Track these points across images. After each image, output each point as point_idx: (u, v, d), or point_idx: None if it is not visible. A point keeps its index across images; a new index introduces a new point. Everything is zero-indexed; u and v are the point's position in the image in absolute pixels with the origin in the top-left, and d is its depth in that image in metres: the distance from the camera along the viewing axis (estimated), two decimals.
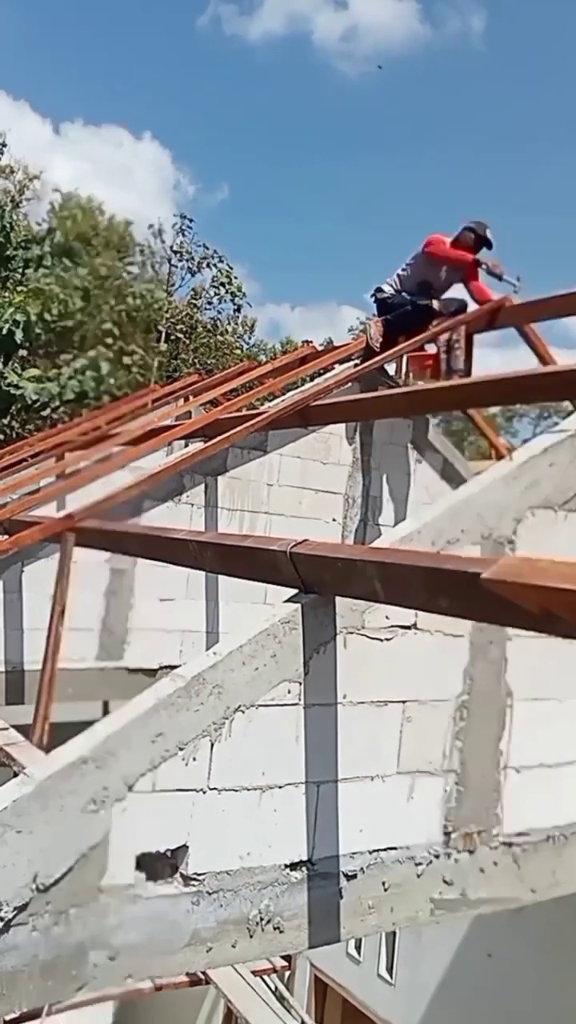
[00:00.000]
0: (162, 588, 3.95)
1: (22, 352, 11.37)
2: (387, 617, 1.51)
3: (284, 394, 4.23)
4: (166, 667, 3.88)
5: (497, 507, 1.59)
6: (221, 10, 37.26)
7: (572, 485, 1.70)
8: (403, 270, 4.28)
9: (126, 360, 16.24)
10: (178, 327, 19.18)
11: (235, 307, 20.75)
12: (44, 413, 11.47)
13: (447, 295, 4.23)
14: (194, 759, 1.34)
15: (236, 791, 1.38)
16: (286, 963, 4.36)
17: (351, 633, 1.48)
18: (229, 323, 21.26)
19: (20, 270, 11.28)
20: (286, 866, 1.43)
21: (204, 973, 3.63)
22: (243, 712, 1.37)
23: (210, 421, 3.96)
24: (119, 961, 1.29)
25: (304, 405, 3.56)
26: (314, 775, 1.45)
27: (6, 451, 6.62)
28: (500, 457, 4.28)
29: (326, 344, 7.67)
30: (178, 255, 20.46)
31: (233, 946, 1.38)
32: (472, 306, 4.15)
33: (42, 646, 2.95)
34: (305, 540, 1.46)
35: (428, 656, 1.58)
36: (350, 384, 3.93)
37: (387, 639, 1.52)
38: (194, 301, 20.35)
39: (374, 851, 1.52)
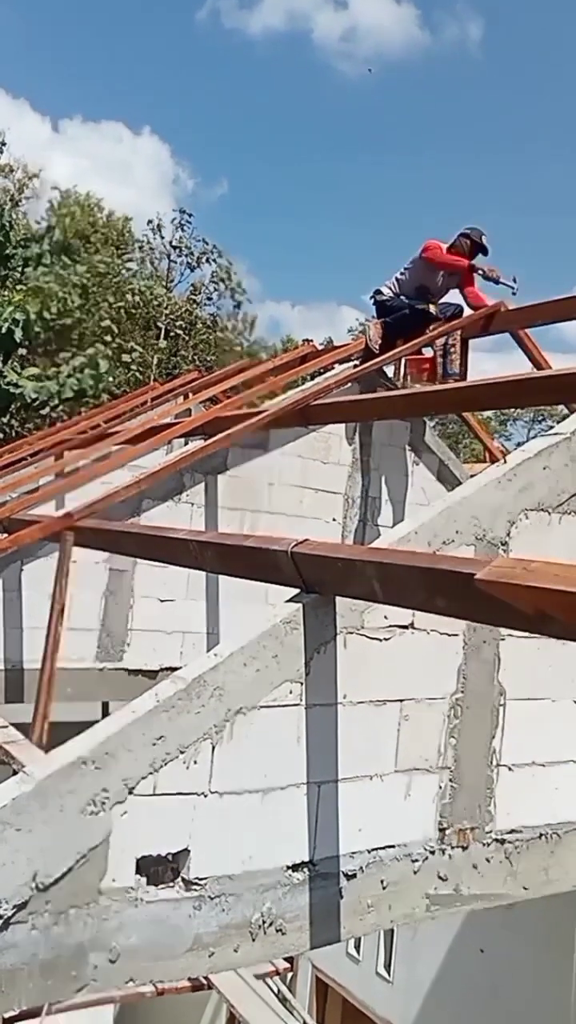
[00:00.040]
0: (162, 588, 3.96)
1: (21, 351, 11.35)
2: (385, 617, 1.53)
3: (284, 392, 4.24)
4: (167, 668, 3.90)
5: (491, 509, 1.61)
6: (220, 3, 37.12)
7: (565, 488, 1.72)
8: (401, 273, 4.32)
9: (125, 358, 16.19)
10: (177, 323, 19.11)
11: (235, 304, 20.74)
12: (43, 412, 11.45)
13: (444, 300, 4.27)
14: (195, 762, 1.34)
15: (238, 794, 1.39)
16: (288, 965, 4.37)
17: (351, 633, 1.49)
18: (229, 320, 21.24)
19: (19, 269, 11.25)
20: (288, 867, 1.44)
21: (206, 977, 3.64)
22: (244, 714, 1.38)
23: (210, 419, 3.97)
24: (120, 964, 1.29)
25: (304, 404, 3.58)
26: (315, 775, 1.46)
27: (5, 450, 6.62)
28: (494, 460, 4.32)
29: (326, 344, 7.68)
30: (177, 250, 20.40)
31: (235, 950, 1.39)
32: (468, 311, 4.19)
33: (42, 645, 2.96)
34: (306, 540, 1.47)
35: (424, 655, 1.59)
36: (350, 384, 3.95)
37: (385, 639, 1.54)
38: (193, 297, 20.29)
39: (373, 850, 1.54)
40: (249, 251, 39.72)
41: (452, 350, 4.11)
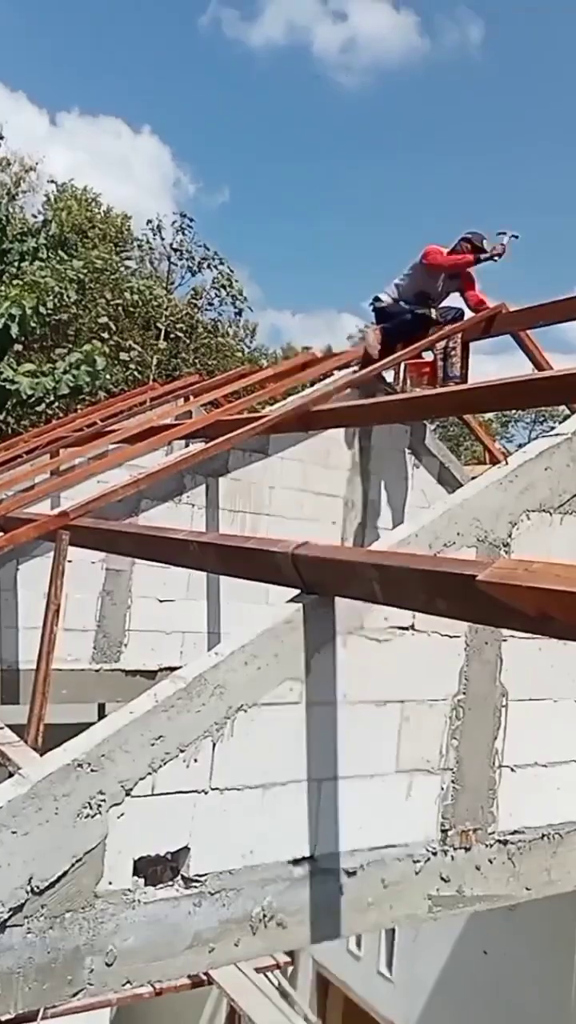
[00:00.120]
0: (162, 588, 3.95)
1: (17, 346, 11.28)
2: (386, 618, 1.52)
3: (285, 398, 4.24)
4: (166, 668, 3.89)
5: (493, 511, 1.60)
6: (222, 13, 37.16)
7: (567, 488, 1.71)
8: (401, 279, 4.33)
9: (123, 356, 16.13)
10: (178, 326, 19.06)
11: (236, 311, 20.70)
12: (39, 408, 11.39)
13: (444, 303, 4.27)
14: (195, 760, 1.34)
15: (239, 790, 1.38)
16: (289, 959, 4.37)
17: (351, 634, 1.49)
18: (230, 326, 21.21)
19: (16, 263, 11.18)
20: (288, 862, 1.43)
21: (206, 973, 3.63)
22: (245, 711, 1.38)
23: (211, 422, 3.96)
24: (117, 966, 1.29)
25: (305, 410, 3.58)
26: (315, 773, 1.45)
27: (1, 447, 6.59)
28: (495, 461, 4.33)
29: (326, 351, 7.70)
30: (178, 253, 20.35)
31: (236, 944, 1.39)
32: (469, 314, 4.19)
33: (37, 646, 2.95)
34: (306, 542, 1.47)
35: (425, 657, 1.59)
36: (349, 390, 3.95)
37: (386, 640, 1.53)
38: (194, 301, 20.26)
39: (374, 848, 1.53)
40: (250, 256, 39.85)
41: (453, 353, 4.12)
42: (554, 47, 38.86)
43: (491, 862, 1.69)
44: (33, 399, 10.79)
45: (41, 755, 1.61)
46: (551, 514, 1.69)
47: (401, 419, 4.13)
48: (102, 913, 1.28)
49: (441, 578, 1.19)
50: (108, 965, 1.28)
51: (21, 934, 1.22)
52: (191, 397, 5.43)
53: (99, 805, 1.26)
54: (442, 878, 1.62)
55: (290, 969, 4.60)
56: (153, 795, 1.31)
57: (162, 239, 20.30)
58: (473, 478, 1.87)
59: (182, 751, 1.33)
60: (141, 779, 1.30)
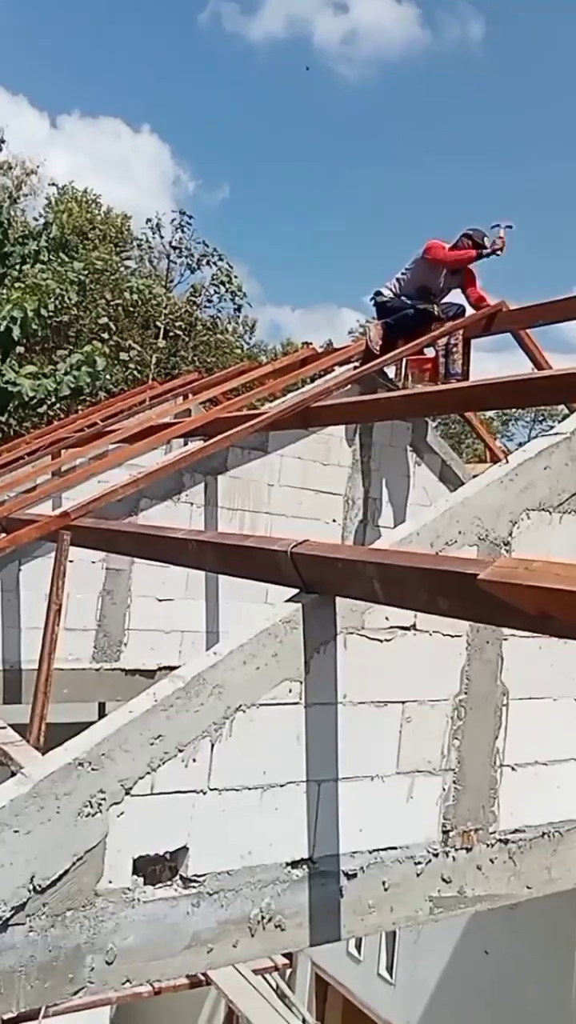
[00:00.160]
0: (161, 588, 3.95)
1: (19, 348, 11.32)
2: (387, 618, 1.52)
3: (284, 395, 4.23)
4: (165, 668, 3.89)
5: (493, 509, 1.60)
6: (222, 8, 37.17)
7: (567, 487, 1.71)
8: (402, 274, 4.30)
9: (123, 356, 16.15)
10: (177, 324, 19.08)
11: (235, 307, 20.70)
12: (41, 410, 11.43)
13: (445, 300, 4.26)
14: (194, 760, 1.34)
15: (237, 790, 1.38)
16: (287, 961, 4.37)
17: (351, 634, 1.49)
18: (229, 322, 21.20)
19: (17, 266, 11.22)
20: (287, 864, 1.43)
21: (204, 974, 3.63)
22: (244, 711, 1.37)
23: (210, 420, 3.96)
24: (117, 965, 1.29)
25: (305, 406, 3.57)
26: (315, 774, 1.45)
27: (3, 449, 6.61)
28: (496, 460, 4.32)
29: (326, 346, 7.67)
30: (177, 251, 20.36)
31: (234, 945, 1.39)
32: (470, 311, 4.18)
33: (39, 646, 2.95)
34: (306, 540, 1.46)
35: (427, 657, 1.59)
36: (350, 386, 3.94)
37: (387, 640, 1.53)
38: (193, 298, 20.27)
39: (374, 851, 1.53)
40: (250, 252, 39.84)
41: (454, 350, 4.11)
42: (554, 47, 38.83)
43: (492, 862, 1.69)
44: (35, 401, 10.82)
45: (43, 754, 1.61)
46: (551, 513, 1.69)
47: (402, 416, 4.11)
48: (102, 912, 1.28)
49: (442, 577, 1.19)
50: (108, 964, 1.29)
51: (23, 932, 1.22)
52: (190, 395, 5.43)
53: (100, 804, 1.26)
54: (443, 879, 1.62)
55: (288, 971, 4.60)
56: (152, 794, 1.31)
57: (161, 237, 20.35)
58: (474, 476, 1.86)
59: (181, 751, 1.33)
60: (140, 778, 1.30)
